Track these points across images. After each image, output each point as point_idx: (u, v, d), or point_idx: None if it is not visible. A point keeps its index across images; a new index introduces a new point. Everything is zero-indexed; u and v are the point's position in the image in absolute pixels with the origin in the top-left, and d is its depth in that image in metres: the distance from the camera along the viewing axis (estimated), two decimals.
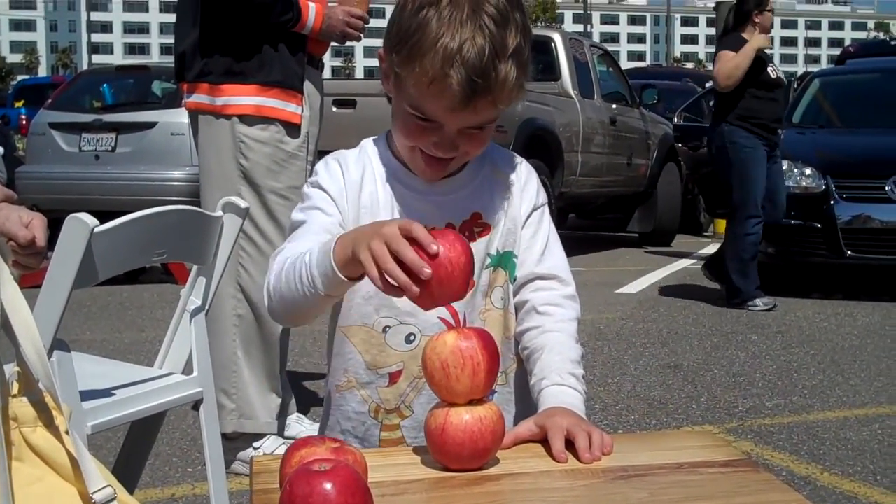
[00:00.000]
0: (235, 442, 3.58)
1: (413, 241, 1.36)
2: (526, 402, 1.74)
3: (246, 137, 3.50)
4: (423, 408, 1.69)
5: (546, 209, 1.82)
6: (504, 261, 1.76)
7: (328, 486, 1.10)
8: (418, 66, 1.57)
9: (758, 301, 7.17)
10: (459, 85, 1.54)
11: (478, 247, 1.72)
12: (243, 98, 3.49)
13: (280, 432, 3.69)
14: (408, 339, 1.71)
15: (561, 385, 1.64)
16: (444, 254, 1.36)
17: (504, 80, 1.57)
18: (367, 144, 1.79)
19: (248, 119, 3.50)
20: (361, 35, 3.71)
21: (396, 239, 1.36)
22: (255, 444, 3.60)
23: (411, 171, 1.73)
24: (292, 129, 3.54)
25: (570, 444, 1.47)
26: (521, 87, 1.61)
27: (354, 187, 1.72)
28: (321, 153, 3.83)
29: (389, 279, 1.37)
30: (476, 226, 1.74)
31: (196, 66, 3.54)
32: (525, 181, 1.80)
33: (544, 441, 1.50)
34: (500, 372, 1.75)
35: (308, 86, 3.58)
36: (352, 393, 1.76)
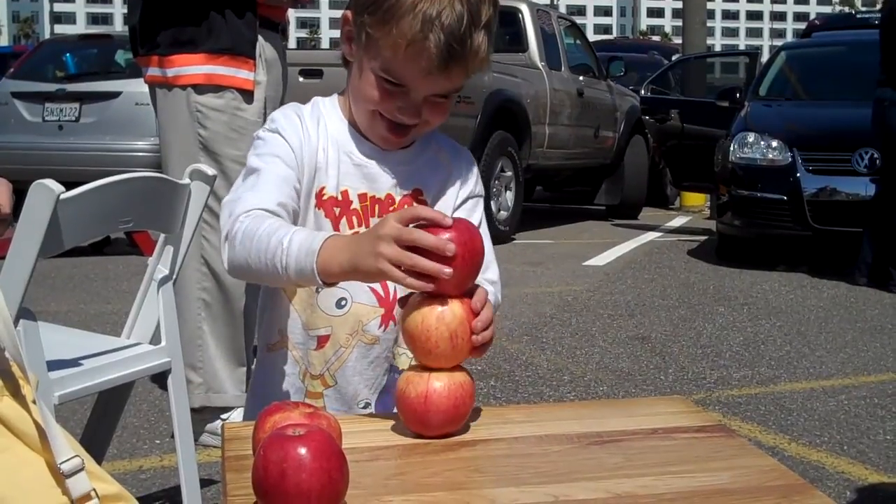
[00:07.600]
0: (203, 414, 3.55)
1: (422, 223, 1.36)
2: None
3: (202, 107, 3.45)
4: (346, 380, 1.70)
5: (481, 201, 1.80)
6: None
7: (302, 450, 1.08)
8: (395, 28, 1.55)
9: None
10: (437, 48, 1.54)
11: None
12: (193, 67, 3.44)
13: None
14: (339, 304, 1.68)
15: None
16: (461, 235, 1.36)
17: (477, 50, 1.58)
18: (320, 102, 1.75)
19: (201, 88, 3.45)
20: None
21: (406, 231, 1.35)
22: (223, 416, 3.58)
23: (362, 138, 1.70)
24: (248, 95, 3.49)
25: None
26: (488, 58, 1.62)
27: (311, 141, 1.68)
28: None
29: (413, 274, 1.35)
30: (416, 202, 1.72)
31: (146, 40, 3.49)
32: (466, 169, 1.78)
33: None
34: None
35: (269, 51, 3.53)
36: (282, 353, 1.72)
